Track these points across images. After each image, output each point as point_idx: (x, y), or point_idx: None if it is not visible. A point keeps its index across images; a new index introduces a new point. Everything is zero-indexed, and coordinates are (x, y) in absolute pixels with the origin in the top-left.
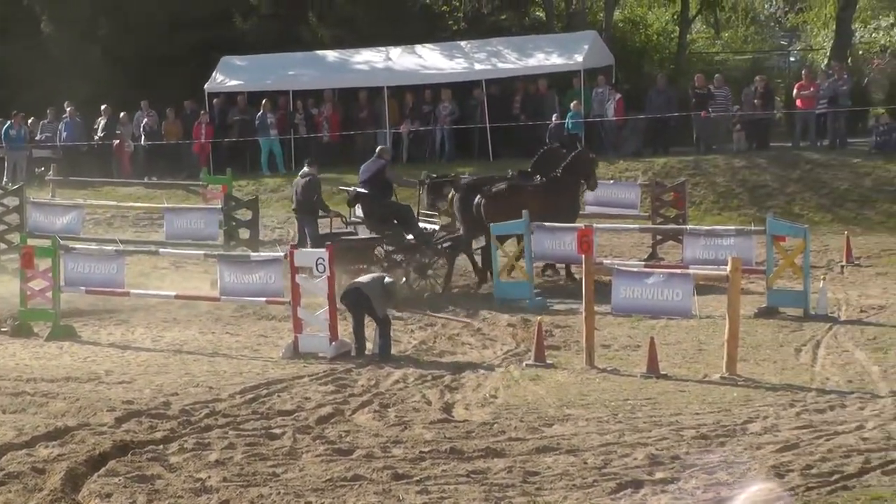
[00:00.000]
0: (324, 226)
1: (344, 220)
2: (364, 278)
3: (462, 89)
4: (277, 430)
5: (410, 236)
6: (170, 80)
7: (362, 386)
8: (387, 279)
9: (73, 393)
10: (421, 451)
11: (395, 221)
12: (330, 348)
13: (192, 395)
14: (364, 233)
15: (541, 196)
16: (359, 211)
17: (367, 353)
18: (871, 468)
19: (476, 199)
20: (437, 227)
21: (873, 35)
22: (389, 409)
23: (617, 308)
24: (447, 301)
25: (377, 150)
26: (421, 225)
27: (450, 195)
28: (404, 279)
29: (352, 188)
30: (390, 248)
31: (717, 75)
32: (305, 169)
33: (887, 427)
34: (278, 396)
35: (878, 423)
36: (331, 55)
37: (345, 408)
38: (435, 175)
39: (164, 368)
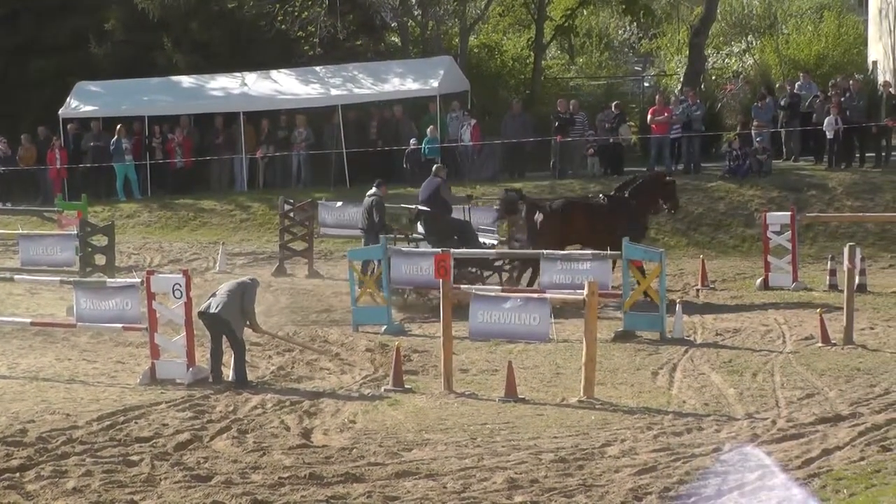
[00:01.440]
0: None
1: (408, 237)
2: (220, 296)
3: (318, 115)
4: (135, 457)
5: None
6: (24, 106)
7: (220, 412)
8: (247, 280)
9: None
10: (280, 477)
11: (456, 237)
12: (187, 374)
13: (49, 423)
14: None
15: (600, 215)
16: (421, 228)
17: (224, 379)
18: (728, 490)
19: (535, 216)
20: (495, 243)
21: (726, 61)
22: (248, 435)
23: (475, 332)
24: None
25: (433, 168)
26: (481, 240)
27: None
28: None
29: (413, 206)
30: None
31: (573, 101)
32: (373, 189)
33: (744, 449)
34: (136, 423)
35: (735, 446)
36: (186, 81)
37: (203, 434)
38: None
39: (20, 395)
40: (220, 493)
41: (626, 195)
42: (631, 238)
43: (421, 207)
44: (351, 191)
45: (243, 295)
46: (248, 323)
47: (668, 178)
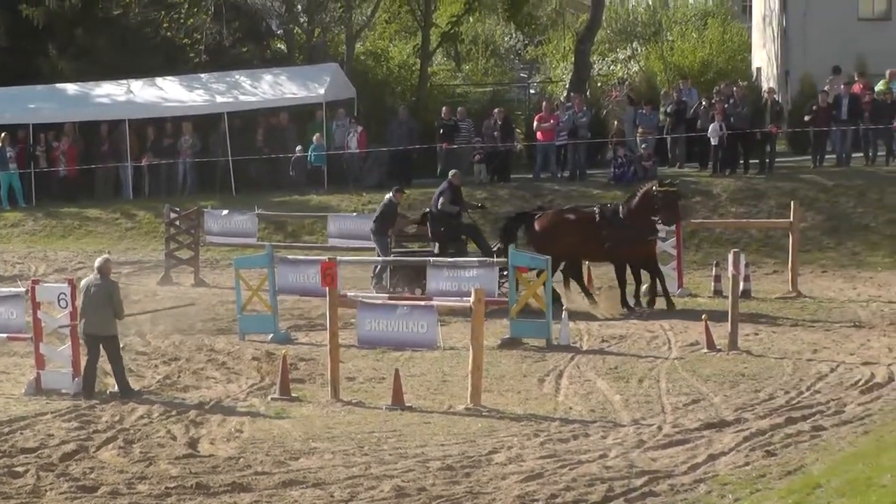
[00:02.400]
0: None
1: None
2: (96, 312)
3: (204, 122)
4: (20, 469)
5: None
6: None
7: (106, 422)
8: (101, 279)
9: None
10: (167, 487)
11: (464, 237)
12: (73, 384)
13: None
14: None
15: (590, 226)
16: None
17: (98, 391)
18: (614, 496)
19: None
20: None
21: (611, 67)
22: (134, 445)
23: (362, 340)
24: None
25: (449, 173)
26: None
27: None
28: None
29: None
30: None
31: (459, 108)
32: (388, 194)
33: (630, 455)
34: (21, 434)
35: (621, 452)
36: (71, 88)
37: (89, 444)
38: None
39: None
40: None
41: (616, 205)
42: (615, 248)
43: (426, 210)
44: (237, 199)
45: (111, 298)
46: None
47: (666, 187)
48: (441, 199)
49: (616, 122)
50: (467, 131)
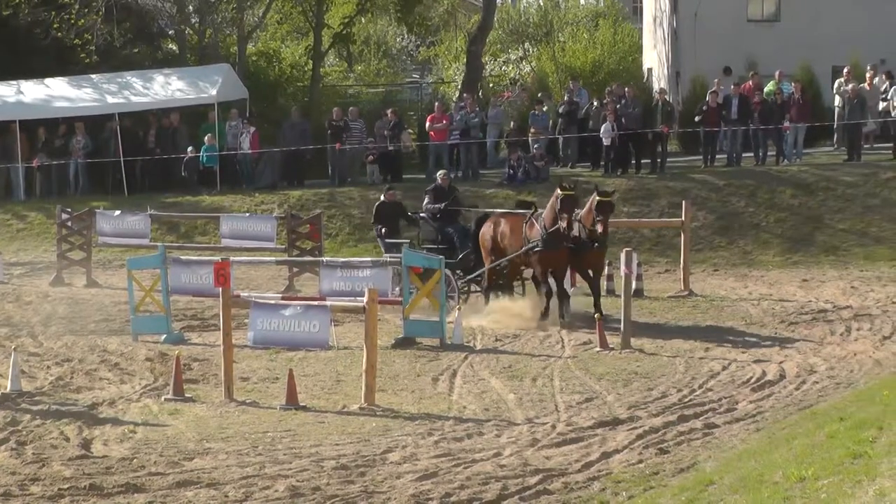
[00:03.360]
0: None
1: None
2: None
3: (95, 123)
4: None
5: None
6: None
7: None
8: None
9: None
10: (60, 489)
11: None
12: None
13: None
14: None
15: (515, 226)
16: None
17: None
18: (508, 494)
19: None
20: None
21: (503, 68)
22: (27, 447)
23: (255, 340)
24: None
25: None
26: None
27: None
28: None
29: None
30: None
31: (351, 108)
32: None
33: (524, 453)
34: None
35: (515, 450)
36: None
37: None
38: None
39: None
40: None
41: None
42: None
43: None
44: (129, 199)
45: None
46: None
47: (597, 194)
48: (426, 199)
49: (513, 123)
50: (359, 132)
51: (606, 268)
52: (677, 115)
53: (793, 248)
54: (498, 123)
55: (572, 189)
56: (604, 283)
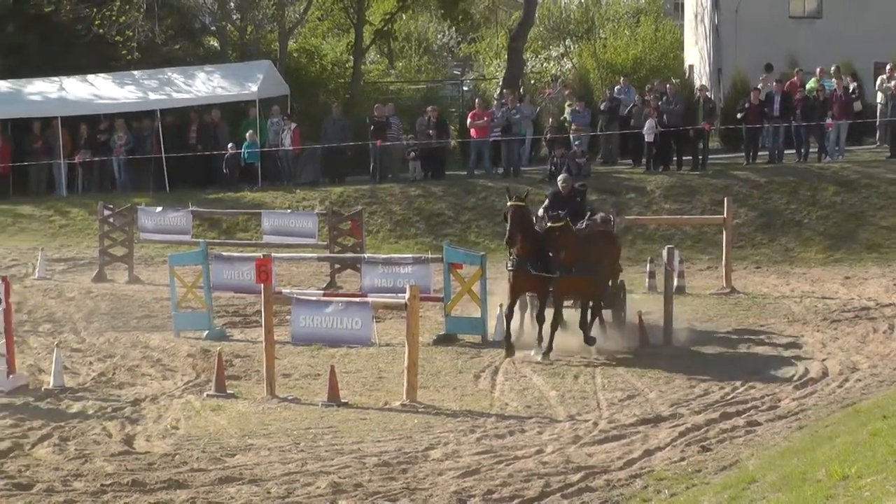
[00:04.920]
0: None
1: None
2: None
3: (137, 119)
4: None
5: None
6: None
7: (41, 420)
8: None
9: None
10: (102, 485)
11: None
12: (7, 382)
13: None
14: None
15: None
16: None
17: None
18: (550, 492)
19: None
20: None
21: (544, 65)
22: (69, 443)
23: (296, 337)
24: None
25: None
26: None
27: None
28: None
29: None
30: None
31: (389, 104)
32: None
33: (566, 451)
34: None
35: (557, 447)
36: (2, 85)
37: (24, 442)
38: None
39: None
40: (42, 502)
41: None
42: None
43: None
44: (170, 196)
45: None
46: None
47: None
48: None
49: (551, 119)
50: (397, 128)
51: (649, 265)
52: (719, 111)
53: (835, 246)
54: (531, 120)
55: (522, 199)
56: (645, 281)
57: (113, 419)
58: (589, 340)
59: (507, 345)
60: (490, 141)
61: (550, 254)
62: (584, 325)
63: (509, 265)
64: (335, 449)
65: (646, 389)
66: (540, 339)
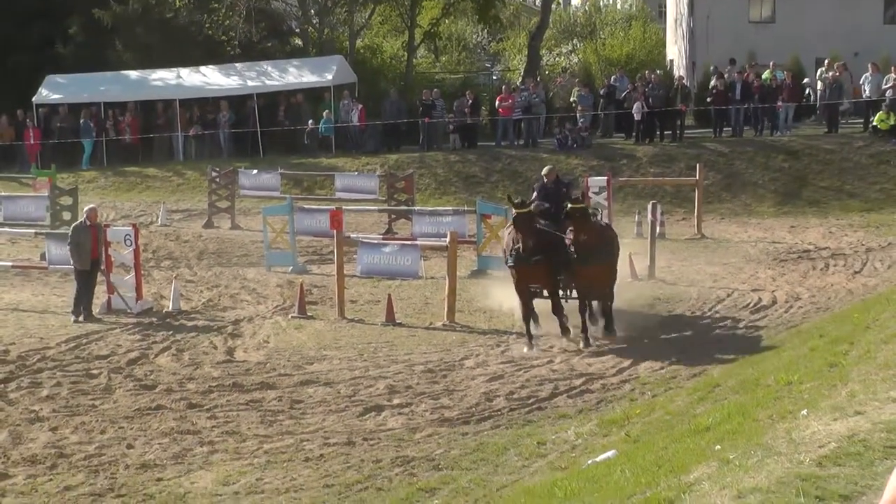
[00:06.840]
0: None
1: None
2: (81, 248)
3: (238, 101)
4: (95, 371)
5: None
6: (3, 94)
7: (162, 335)
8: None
9: None
10: (210, 386)
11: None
12: (136, 305)
13: (27, 345)
14: None
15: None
16: None
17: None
18: (559, 393)
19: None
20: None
21: (556, 59)
22: (184, 353)
23: (362, 271)
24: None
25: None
26: None
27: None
28: None
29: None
30: None
31: (434, 89)
32: None
33: (571, 361)
34: (96, 344)
35: (564, 359)
36: (133, 74)
37: (149, 352)
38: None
39: (2, 323)
40: (163, 399)
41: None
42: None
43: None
44: (264, 161)
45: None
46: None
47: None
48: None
49: (560, 102)
50: (441, 108)
51: (637, 216)
52: (693, 96)
53: (783, 202)
54: (544, 103)
55: (525, 206)
56: (634, 229)
57: (218, 335)
58: (610, 330)
59: (529, 344)
60: (513, 119)
61: (570, 231)
62: (608, 317)
63: (509, 262)
64: (391, 359)
65: (633, 314)
66: (566, 330)
